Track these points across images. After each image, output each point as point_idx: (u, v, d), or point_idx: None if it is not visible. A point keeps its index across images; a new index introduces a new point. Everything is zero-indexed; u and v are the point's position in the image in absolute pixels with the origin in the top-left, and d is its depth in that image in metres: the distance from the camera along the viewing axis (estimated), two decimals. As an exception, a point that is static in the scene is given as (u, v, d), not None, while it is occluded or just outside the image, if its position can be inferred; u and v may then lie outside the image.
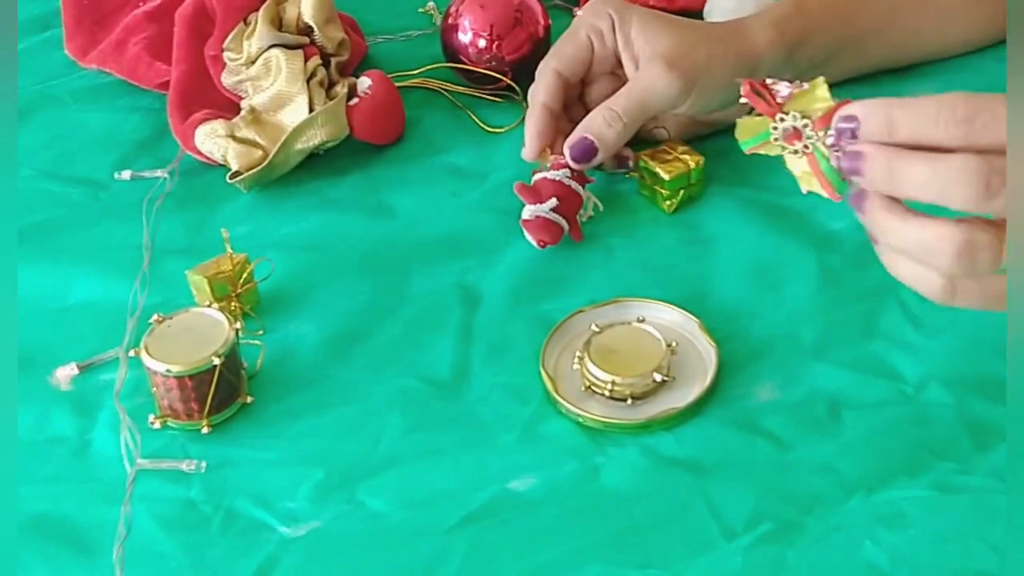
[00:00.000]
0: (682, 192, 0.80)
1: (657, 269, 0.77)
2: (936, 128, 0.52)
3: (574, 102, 0.84)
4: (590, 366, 0.68)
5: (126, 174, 0.86)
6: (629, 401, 0.67)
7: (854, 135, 0.54)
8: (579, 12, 1.03)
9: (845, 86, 0.87)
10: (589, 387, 0.68)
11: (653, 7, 1.01)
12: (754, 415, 0.67)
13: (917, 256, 0.54)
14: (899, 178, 0.53)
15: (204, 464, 0.65)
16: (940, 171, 0.51)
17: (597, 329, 0.69)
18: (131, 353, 0.70)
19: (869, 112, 0.53)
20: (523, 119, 0.89)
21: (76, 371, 0.72)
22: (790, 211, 0.80)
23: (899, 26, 0.87)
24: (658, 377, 0.67)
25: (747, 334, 0.72)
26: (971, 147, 0.51)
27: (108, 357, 0.72)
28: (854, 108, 0.54)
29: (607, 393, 0.67)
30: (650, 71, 0.78)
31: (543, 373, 0.69)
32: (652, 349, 0.68)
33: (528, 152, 0.80)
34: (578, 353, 0.69)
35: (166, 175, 0.86)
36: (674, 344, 0.69)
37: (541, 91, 0.81)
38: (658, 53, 0.78)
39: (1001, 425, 0.65)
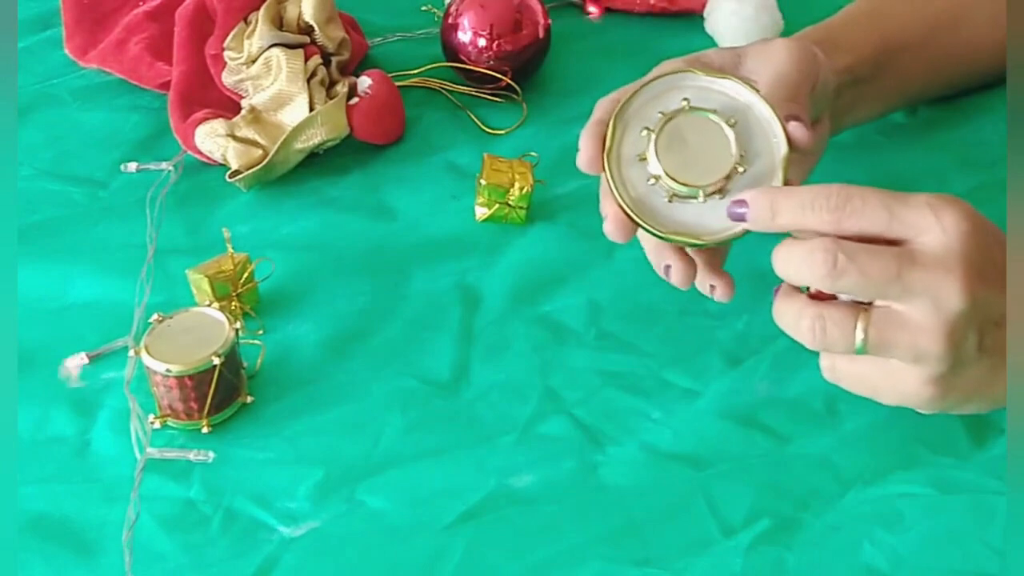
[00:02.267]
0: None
1: (657, 269, 0.77)
2: (811, 214, 0.58)
3: None
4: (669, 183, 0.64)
5: (132, 166, 0.87)
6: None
7: (743, 219, 0.61)
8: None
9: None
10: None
11: (654, 6, 1.02)
12: (752, 409, 0.67)
13: (788, 329, 0.60)
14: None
15: (211, 454, 0.65)
16: (793, 253, 0.58)
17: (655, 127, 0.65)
18: (131, 353, 0.70)
19: (756, 196, 0.60)
20: (523, 120, 0.89)
21: (86, 360, 0.72)
22: (790, 211, 0.80)
23: (934, 45, 0.86)
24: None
25: (747, 331, 0.72)
26: (840, 232, 0.57)
27: (118, 346, 0.72)
28: (746, 194, 0.61)
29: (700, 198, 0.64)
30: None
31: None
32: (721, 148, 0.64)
33: (582, 157, 0.68)
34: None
35: (171, 167, 0.86)
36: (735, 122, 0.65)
37: (600, 112, 0.70)
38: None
39: (997, 420, 0.65)
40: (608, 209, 0.67)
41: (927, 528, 0.61)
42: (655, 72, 0.73)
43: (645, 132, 0.65)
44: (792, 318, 0.59)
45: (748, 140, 0.64)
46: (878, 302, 0.58)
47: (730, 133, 0.64)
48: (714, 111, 0.64)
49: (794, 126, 0.65)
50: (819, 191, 0.58)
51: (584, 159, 0.67)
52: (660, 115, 0.65)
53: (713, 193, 0.64)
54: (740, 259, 0.77)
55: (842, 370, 0.61)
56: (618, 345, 0.72)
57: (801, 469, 0.64)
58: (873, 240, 0.58)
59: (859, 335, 0.58)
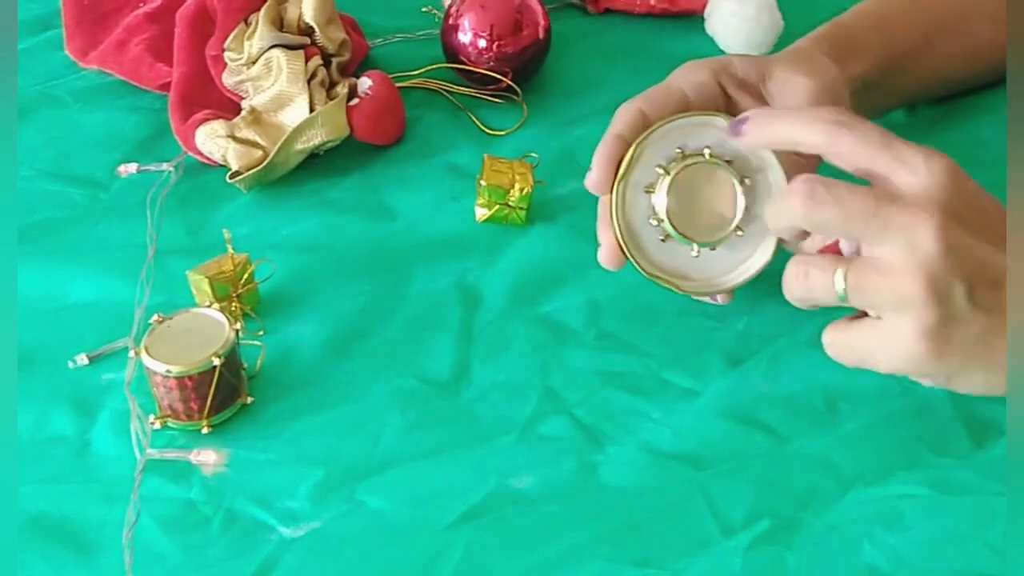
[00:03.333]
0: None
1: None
2: (809, 123, 0.60)
3: None
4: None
5: (132, 167, 0.87)
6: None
7: (740, 133, 0.63)
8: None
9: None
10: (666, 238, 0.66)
11: (654, 7, 1.02)
12: (752, 409, 0.67)
13: (784, 290, 0.62)
14: None
15: (212, 454, 0.65)
16: (779, 200, 0.60)
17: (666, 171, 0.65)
18: (131, 353, 0.70)
19: (758, 110, 0.64)
20: (524, 121, 0.90)
21: (87, 362, 0.72)
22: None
23: (939, 46, 0.85)
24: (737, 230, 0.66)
25: (747, 331, 0.72)
26: (834, 147, 0.59)
27: (118, 346, 0.72)
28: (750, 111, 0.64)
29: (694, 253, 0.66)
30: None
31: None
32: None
33: (593, 178, 0.67)
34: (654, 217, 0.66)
35: (171, 168, 0.86)
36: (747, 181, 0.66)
37: (619, 124, 0.69)
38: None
39: (998, 420, 0.65)
40: (604, 237, 0.68)
41: (927, 528, 0.61)
42: (679, 77, 0.71)
43: (660, 169, 0.65)
44: (785, 276, 0.61)
45: (754, 200, 0.65)
46: (863, 250, 0.59)
47: (740, 194, 0.65)
48: (730, 162, 0.65)
49: None
50: (822, 108, 0.61)
51: (594, 180, 0.66)
52: (678, 153, 0.65)
53: (706, 247, 0.65)
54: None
55: (839, 341, 0.61)
56: (618, 345, 0.72)
57: (801, 469, 0.64)
58: (862, 174, 0.59)
59: (839, 282, 0.59)
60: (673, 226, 0.65)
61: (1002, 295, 0.58)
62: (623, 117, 0.68)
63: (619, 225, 0.65)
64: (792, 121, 0.61)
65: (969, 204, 0.58)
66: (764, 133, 0.63)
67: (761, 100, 0.72)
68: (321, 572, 0.61)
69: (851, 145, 0.59)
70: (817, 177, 0.58)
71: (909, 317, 0.58)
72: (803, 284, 0.60)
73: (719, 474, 0.64)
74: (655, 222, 0.66)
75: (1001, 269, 0.58)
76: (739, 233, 0.65)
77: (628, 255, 0.66)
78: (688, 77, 0.71)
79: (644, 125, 0.68)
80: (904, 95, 0.86)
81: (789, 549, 0.60)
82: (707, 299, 0.70)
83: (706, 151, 0.65)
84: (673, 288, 0.66)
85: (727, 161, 0.65)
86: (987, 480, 0.63)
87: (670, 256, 0.66)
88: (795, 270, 0.61)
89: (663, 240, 0.66)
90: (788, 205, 0.59)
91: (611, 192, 0.66)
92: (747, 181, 0.65)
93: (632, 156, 0.65)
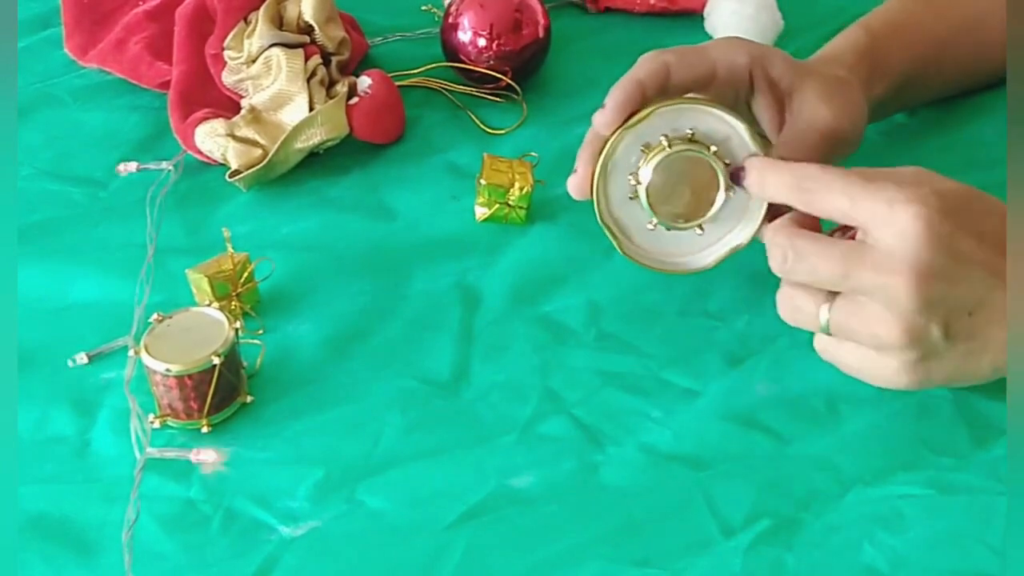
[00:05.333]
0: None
1: (657, 269, 0.77)
2: (790, 194, 0.61)
3: None
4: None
5: (132, 166, 0.87)
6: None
7: (740, 182, 0.65)
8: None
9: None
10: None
11: (654, 6, 1.02)
12: (752, 409, 0.67)
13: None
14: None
15: (212, 453, 0.65)
16: (766, 240, 0.63)
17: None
18: (131, 352, 0.70)
19: (754, 165, 0.64)
20: (523, 120, 0.90)
21: (86, 360, 0.72)
22: (790, 211, 0.79)
23: (954, 51, 0.85)
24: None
25: (747, 330, 0.72)
26: (811, 212, 0.61)
27: (117, 345, 0.72)
28: (748, 160, 0.64)
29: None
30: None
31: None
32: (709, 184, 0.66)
33: (603, 118, 0.66)
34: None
35: (171, 167, 0.86)
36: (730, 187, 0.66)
37: (641, 70, 0.67)
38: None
39: (999, 420, 0.65)
40: (582, 166, 0.67)
41: (927, 529, 0.61)
42: (717, 49, 0.71)
43: (664, 139, 0.66)
44: (777, 295, 0.64)
45: (726, 209, 0.66)
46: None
47: (720, 200, 0.66)
48: (728, 166, 0.65)
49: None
50: (799, 176, 0.61)
51: (603, 120, 0.66)
52: (688, 133, 0.65)
53: (660, 225, 0.66)
54: (741, 260, 0.77)
55: (829, 352, 0.64)
56: (618, 345, 0.72)
57: (801, 469, 0.64)
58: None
59: (823, 316, 0.61)
60: (646, 193, 0.66)
61: (978, 319, 0.60)
62: (648, 65, 0.67)
63: (602, 162, 0.66)
64: (776, 188, 0.63)
65: (939, 249, 0.58)
66: (759, 190, 0.64)
67: (780, 105, 0.72)
68: (321, 572, 0.61)
69: (824, 211, 0.61)
70: (791, 241, 0.60)
71: (889, 356, 0.61)
72: (789, 309, 0.63)
73: (719, 474, 0.64)
74: (633, 180, 0.66)
75: (978, 295, 0.59)
76: (698, 232, 0.67)
77: (594, 192, 0.66)
78: (726, 54, 0.71)
79: (665, 78, 0.67)
80: (915, 102, 0.86)
81: (789, 549, 0.60)
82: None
83: (713, 148, 0.65)
84: (615, 243, 0.67)
85: (726, 164, 0.65)
86: (987, 480, 0.63)
87: (628, 215, 0.67)
88: (785, 293, 0.63)
89: (631, 198, 0.67)
90: (770, 261, 0.62)
91: (612, 131, 0.66)
92: (731, 193, 0.66)
93: (648, 112, 0.65)
